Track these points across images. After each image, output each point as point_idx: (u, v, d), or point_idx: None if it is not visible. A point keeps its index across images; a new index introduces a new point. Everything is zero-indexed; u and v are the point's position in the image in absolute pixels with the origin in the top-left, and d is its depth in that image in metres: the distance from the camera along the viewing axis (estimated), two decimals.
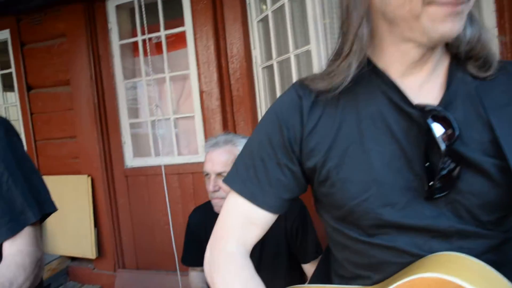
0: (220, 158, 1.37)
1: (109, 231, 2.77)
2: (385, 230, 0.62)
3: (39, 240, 0.93)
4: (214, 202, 1.40)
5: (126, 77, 2.71)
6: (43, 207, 0.93)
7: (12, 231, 0.86)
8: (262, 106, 2.36)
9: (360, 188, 0.62)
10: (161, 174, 2.58)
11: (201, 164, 2.49)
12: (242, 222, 0.71)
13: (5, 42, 3.04)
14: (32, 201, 0.90)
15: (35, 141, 3.00)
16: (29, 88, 2.99)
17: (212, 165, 1.38)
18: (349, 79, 0.62)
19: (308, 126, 0.66)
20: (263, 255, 1.46)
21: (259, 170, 0.69)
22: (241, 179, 0.71)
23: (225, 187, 1.35)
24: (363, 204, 0.62)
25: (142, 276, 2.73)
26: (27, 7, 2.70)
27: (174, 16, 2.57)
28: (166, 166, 2.57)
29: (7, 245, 0.86)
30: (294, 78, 2.01)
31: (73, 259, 2.96)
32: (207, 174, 1.42)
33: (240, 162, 0.73)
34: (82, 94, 2.72)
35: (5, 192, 0.87)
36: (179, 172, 2.56)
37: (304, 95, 0.67)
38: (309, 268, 1.49)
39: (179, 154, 2.64)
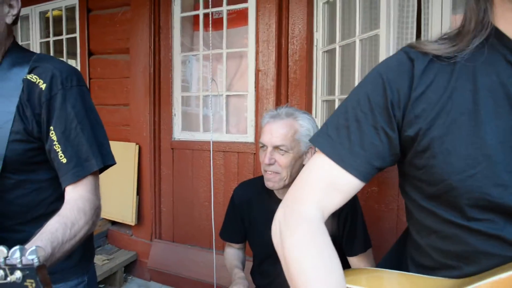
0: (280, 131, 1.30)
1: (150, 200, 2.82)
2: (490, 215, 0.55)
3: (98, 189, 0.95)
4: (267, 177, 1.34)
5: (183, 50, 2.72)
6: (105, 158, 0.95)
7: (77, 176, 0.88)
8: (318, 91, 2.28)
9: (466, 162, 0.55)
10: (208, 150, 2.59)
11: (248, 144, 2.47)
12: (324, 186, 0.65)
13: (73, 8, 3.15)
14: (96, 150, 0.92)
15: None
16: (90, 54, 3.09)
17: (271, 137, 1.31)
18: (473, 45, 0.57)
19: (417, 91, 0.60)
20: None
21: (352, 132, 0.63)
22: (330, 139, 0.66)
23: (281, 161, 1.30)
24: (468, 180, 0.54)
25: (176, 248, 2.75)
26: None
27: None
28: (213, 143, 2.56)
29: (70, 189, 0.89)
30: (357, 65, 1.91)
31: (113, 223, 3.05)
32: (263, 146, 1.36)
33: (331, 122, 0.68)
34: (139, 63, 2.77)
35: (73, 138, 0.90)
36: (225, 150, 2.54)
37: (417, 58, 0.61)
38: (355, 262, 1.40)
39: (227, 132, 2.62)
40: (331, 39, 2.21)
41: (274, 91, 2.29)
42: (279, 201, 1.46)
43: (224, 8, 2.50)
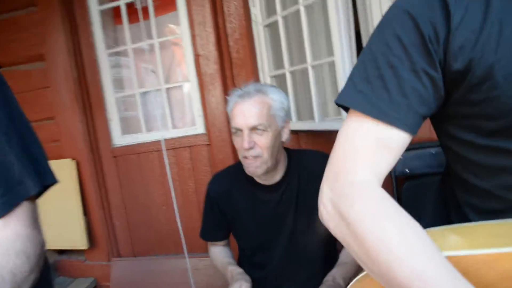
0: (254, 110, 1.17)
1: (100, 218, 2.53)
2: None
3: (38, 219, 0.70)
4: (248, 163, 1.21)
5: (108, 47, 2.45)
6: (44, 177, 0.71)
7: (9, 205, 0.63)
8: (265, 69, 2.19)
9: None
10: (155, 151, 2.40)
11: (199, 136, 2.31)
12: (371, 147, 0.55)
13: None
14: (31, 168, 0.68)
15: None
16: None
17: (245, 118, 1.17)
18: None
19: (455, 19, 0.51)
20: (297, 221, 1.31)
21: (388, 80, 0.54)
22: (364, 95, 0.56)
23: (261, 142, 1.18)
24: None
25: (140, 263, 2.51)
26: None
27: None
28: (159, 142, 2.35)
29: (0, 226, 0.63)
30: (306, 34, 1.83)
31: (61, 252, 2.71)
32: (236, 131, 1.22)
33: (359, 76, 0.58)
34: (59, 69, 2.45)
35: None
36: (175, 147, 2.35)
37: None
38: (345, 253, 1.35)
39: (174, 127, 2.43)
40: (271, 11, 2.11)
41: (219, 75, 2.15)
42: (263, 187, 1.33)
43: None
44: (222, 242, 1.47)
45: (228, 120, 2.16)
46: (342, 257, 1.29)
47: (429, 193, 0.76)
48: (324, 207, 0.59)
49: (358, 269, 1.25)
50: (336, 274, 1.18)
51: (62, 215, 2.51)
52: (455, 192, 0.69)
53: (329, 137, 2.02)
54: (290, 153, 1.35)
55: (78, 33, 2.46)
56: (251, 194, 1.34)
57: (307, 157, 1.35)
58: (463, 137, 0.59)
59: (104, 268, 2.57)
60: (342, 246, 1.42)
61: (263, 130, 1.18)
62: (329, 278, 1.17)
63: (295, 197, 1.30)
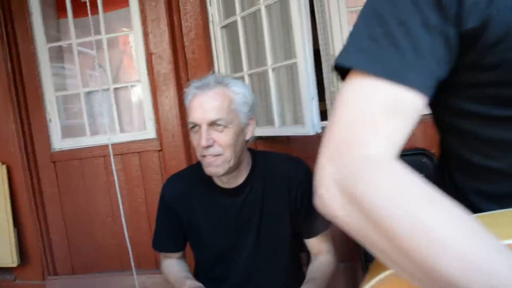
0: (213, 102, 1.05)
1: (33, 230, 2.26)
2: None
3: None
4: (208, 162, 1.08)
5: (50, 40, 2.23)
6: None
7: None
8: (222, 70, 2.08)
9: None
10: (100, 156, 2.20)
11: (149, 141, 2.14)
12: (384, 114, 0.44)
13: None
14: None
15: None
16: None
17: (203, 112, 1.04)
18: None
19: None
20: (261, 228, 1.20)
21: (399, 37, 0.45)
22: (370, 53, 0.46)
23: (221, 139, 1.06)
24: None
25: (80, 282, 2.28)
26: None
27: None
28: (106, 147, 2.16)
29: None
30: (266, 33, 1.76)
31: None
32: (194, 126, 1.09)
33: (361, 35, 0.48)
34: None
35: None
36: (123, 152, 2.17)
37: None
38: (314, 244, 1.25)
39: (122, 131, 2.24)
40: (229, 12, 2.02)
41: (173, 75, 2.01)
42: (224, 191, 1.19)
43: None
44: (177, 254, 1.31)
45: (182, 124, 2.02)
46: (310, 273, 1.20)
47: None
48: (327, 190, 0.45)
49: (328, 285, 1.18)
50: None
51: None
52: (458, 181, 0.62)
53: (288, 143, 1.95)
54: (254, 154, 1.24)
55: (13, 23, 2.21)
56: (210, 198, 1.21)
57: (273, 159, 1.24)
58: (474, 110, 0.51)
59: None
60: (306, 261, 1.34)
61: (224, 126, 1.06)
62: None
63: (260, 201, 1.18)
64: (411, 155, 1.87)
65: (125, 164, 2.18)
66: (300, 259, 1.38)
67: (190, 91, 1.11)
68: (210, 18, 2.07)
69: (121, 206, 2.11)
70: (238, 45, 1.98)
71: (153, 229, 2.12)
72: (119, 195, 2.09)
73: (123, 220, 2.10)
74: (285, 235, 1.23)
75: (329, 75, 2.20)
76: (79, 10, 2.28)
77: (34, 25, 2.20)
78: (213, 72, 1.17)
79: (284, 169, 1.20)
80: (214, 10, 2.06)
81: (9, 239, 2.21)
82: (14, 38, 2.21)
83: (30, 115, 2.26)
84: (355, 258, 1.87)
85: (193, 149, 2.03)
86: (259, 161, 1.22)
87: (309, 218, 1.22)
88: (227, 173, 1.10)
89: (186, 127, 2.05)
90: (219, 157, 1.06)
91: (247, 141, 1.17)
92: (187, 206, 1.23)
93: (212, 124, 1.05)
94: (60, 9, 2.38)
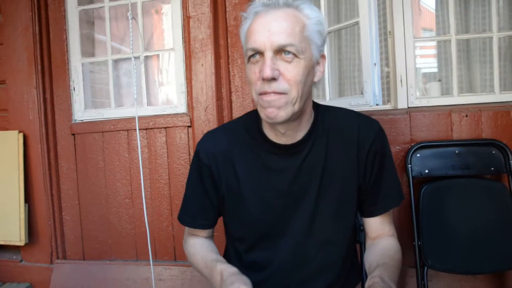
0: (283, 24, 0.81)
1: (45, 208, 2.08)
2: None
3: None
4: (268, 100, 0.82)
5: (80, 2, 2.09)
6: None
7: None
8: None
9: None
10: (123, 131, 2.01)
11: (178, 116, 1.94)
12: None
13: None
14: None
15: None
16: None
17: (270, 35, 0.80)
18: None
19: None
20: (320, 199, 0.95)
21: None
22: None
23: (290, 72, 0.81)
24: None
25: (90, 268, 2.06)
26: None
27: None
28: (130, 120, 1.98)
29: None
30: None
31: None
32: (254, 54, 0.84)
33: None
34: (18, 21, 2.06)
35: None
36: (148, 127, 1.97)
37: None
38: (375, 225, 1.00)
39: (149, 104, 2.06)
40: None
41: (212, 40, 1.81)
42: (276, 147, 0.90)
43: None
44: (206, 232, 1.07)
45: (218, 96, 1.81)
46: (374, 259, 0.93)
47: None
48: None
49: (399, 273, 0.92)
50: (383, 275, 0.82)
51: None
52: None
53: None
54: (317, 105, 1.00)
55: None
56: (260, 158, 0.96)
57: (340, 114, 1.00)
58: None
59: (44, 272, 2.10)
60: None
61: (294, 56, 0.81)
62: (375, 280, 0.80)
63: (322, 164, 0.94)
64: (478, 145, 1.61)
65: (150, 140, 1.98)
66: (355, 247, 1.13)
67: (251, 11, 0.88)
68: None
69: (142, 187, 1.90)
70: None
71: (174, 215, 1.93)
72: (141, 174, 1.89)
73: (144, 202, 1.89)
74: (349, 212, 0.98)
75: (381, 52, 1.97)
76: None
77: None
78: None
79: (353, 126, 0.95)
80: None
81: (19, 215, 2.03)
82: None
83: (54, 81, 2.12)
84: (408, 261, 1.59)
85: None
86: (323, 115, 0.98)
87: (376, 189, 0.97)
88: (289, 120, 0.86)
89: (221, 100, 1.85)
90: (283, 96, 0.81)
91: (314, 83, 0.93)
92: (227, 166, 0.98)
93: (280, 51, 0.81)
94: None
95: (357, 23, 1.42)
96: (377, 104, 1.39)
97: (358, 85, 1.49)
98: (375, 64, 1.38)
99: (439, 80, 2.02)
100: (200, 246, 1.06)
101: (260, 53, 0.82)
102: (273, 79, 0.81)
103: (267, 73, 0.79)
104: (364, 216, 1.02)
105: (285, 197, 0.96)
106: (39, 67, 2.06)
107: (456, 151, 1.63)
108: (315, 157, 0.95)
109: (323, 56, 0.92)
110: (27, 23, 2.04)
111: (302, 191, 0.95)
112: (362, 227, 1.08)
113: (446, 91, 1.95)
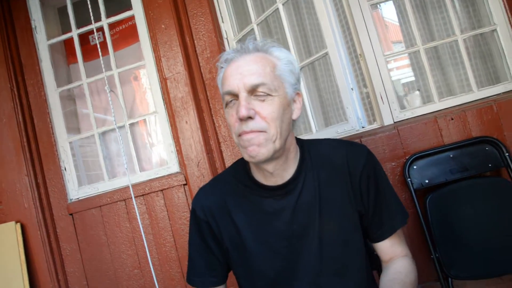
0: (253, 66, 0.87)
1: None
2: None
3: None
4: (247, 138, 0.86)
5: (60, 84, 2.17)
6: None
7: None
8: None
9: None
10: (120, 201, 2.03)
11: (173, 176, 1.97)
12: None
13: None
14: None
15: None
16: None
17: (242, 77, 0.86)
18: None
19: None
20: (324, 235, 0.96)
21: None
22: None
23: (265, 110, 0.86)
24: None
25: None
26: None
27: (118, 9, 2.16)
28: (126, 189, 2.00)
29: None
30: (288, 32, 1.64)
31: None
32: (230, 100, 0.90)
33: None
34: (1, 113, 2.12)
35: None
36: (144, 193, 1.99)
37: None
38: (386, 248, 1.01)
39: (142, 169, 2.09)
40: (243, 24, 1.94)
41: (191, 97, 1.88)
42: (268, 190, 0.94)
43: (104, 22, 2.08)
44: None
45: (207, 150, 1.86)
46: (385, 285, 0.93)
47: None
48: None
49: None
50: None
51: None
52: None
53: None
54: (301, 142, 1.03)
55: (23, 72, 2.18)
56: (253, 203, 0.98)
57: (326, 146, 1.03)
58: None
59: None
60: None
61: (267, 95, 0.86)
62: None
63: (317, 200, 0.96)
64: (471, 145, 1.64)
65: (148, 206, 2.00)
66: (372, 274, 1.12)
67: (223, 58, 0.94)
68: (224, 34, 1.99)
69: (148, 255, 1.90)
70: None
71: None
72: (145, 242, 1.89)
73: (153, 271, 1.88)
74: (356, 241, 0.98)
75: (357, 75, 2.05)
76: (88, 54, 2.27)
77: (44, 71, 2.17)
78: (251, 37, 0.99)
79: (341, 155, 0.98)
80: (228, 26, 1.99)
81: None
82: (25, 88, 2.17)
83: (44, 165, 2.15)
84: (431, 276, 1.57)
85: None
86: (308, 149, 1.01)
87: (378, 213, 0.99)
88: (273, 158, 0.89)
89: (211, 152, 1.89)
90: (261, 134, 0.86)
91: (293, 122, 0.97)
92: (224, 218, 1.00)
93: (253, 91, 0.86)
94: (69, 55, 2.38)
95: (326, 53, 1.50)
96: (362, 127, 1.44)
97: (342, 110, 1.54)
98: (352, 89, 1.44)
99: (418, 90, 2.09)
100: None
101: (235, 95, 0.88)
102: (250, 118, 0.86)
103: (243, 112, 0.84)
104: (373, 242, 1.03)
105: (288, 239, 0.96)
106: (28, 154, 2.10)
107: (451, 155, 1.66)
108: (309, 193, 0.97)
109: (298, 94, 0.97)
110: (10, 113, 2.11)
111: (303, 229, 0.96)
112: (375, 252, 1.09)
113: (427, 99, 2.01)
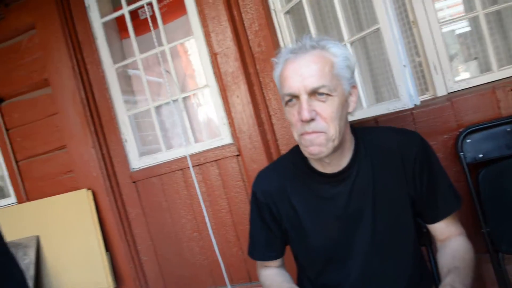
0: (313, 67, 0.92)
1: (124, 253, 2.33)
2: None
3: None
4: (309, 139, 0.94)
5: (115, 61, 2.31)
6: None
7: None
8: None
9: None
10: (178, 170, 2.19)
11: (226, 147, 2.10)
12: None
13: None
14: None
15: (16, 162, 2.56)
16: (0, 100, 2.57)
17: (302, 80, 0.91)
18: None
19: None
20: (377, 218, 1.05)
21: None
22: None
23: (325, 111, 0.92)
24: None
25: None
26: None
27: None
28: (182, 159, 2.16)
29: None
30: (338, 9, 1.63)
31: None
32: (290, 99, 0.97)
33: None
34: (66, 91, 2.32)
35: None
36: (200, 163, 2.14)
37: None
38: (441, 228, 1.08)
39: (197, 140, 2.23)
40: None
41: (242, 71, 1.95)
42: (326, 178, 1.03)
43: None
44: (276, 262, 1.21)
45: (258, 123, 1.94)
46: (446, 263, 1.01)
47: None
48: None
49: (473, 273, 0.99)
50: (454, 282, 0.91)
51: (82, 252, 2.33)
52: None
53: (377, 124, 1.77)
54: (355, 130, 1.10)
55: (81, 51, 2.33)
56: (311, 189, 1.08)
57: (379, 134, 1.10)
58: None
59: None
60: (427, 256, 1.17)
61: (327, 95, 0.92)
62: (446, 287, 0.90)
63: (371, 185, 1.04)
64: (494, 127, 1.60)
65: (204, 175, 2.16)
66: (421, 251, 1.21)
67: (281, 57, 1.00)
68: (272, 5, 1.99)
69: (207, 219, 2.09)
70: (304, 29, 1.88)
71: (241, 240, 2.09)
72: (204, 208, 2.08)
73: (211, 233, 2.07)
74: (407, 223, 1.06)
75: (410, 45, 2.00)
76: (139, 28, 2.35)
77: (100, 48, 2.30)
78: (307, 34, 1.04)
79: (394, 143, 1.04)
80: None
81: (103, 263, 2.29)
82: (85, 65, 2.33)
83: (107, 137, 2.35)
84: (481, 248, 1.62)
85: (274, 149, 1.94)
86: (362, 137, 1.08)
87: (432, 197, 1.05)
88: (331, 153, 0.97)
89: (262, 125, 1.98)
90: (322, 135, 0.93)
91: (349, 113, 1.03)
92: (284, 200, 1.11)
93: (313, 93, 0.92)
94: (121, 30, 2.48)
95: (378, 29, 1.49)
96: (415, 104, 1.45)
97: (393, 85, 1.55)
98: (404, 65, 1.44)
99: (475, 58, 2.01)
100: (274, 277, 1.19)
101: (295, 96, 0.95)
102: (311, 119, 0.92)
103: (305, 115, 0.91)
104: (427, 223, 1.10)
105: (343, 221, 1.06)
106: (92, 128, 2.30)
107: (508, 129, 1.63)
108: (363, 179, 1.05)
109: (354, 87, 1.02)
110: (74, 90, 2.29)
111: (358, 212, 1.05)
112: (425, 229, 1.16)
113: (485, 68, 1.94)
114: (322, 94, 0.92)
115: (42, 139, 2.49)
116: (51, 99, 2.40)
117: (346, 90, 0.98)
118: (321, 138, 0.94)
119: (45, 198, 2.44)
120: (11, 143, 2.56)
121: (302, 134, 0.96)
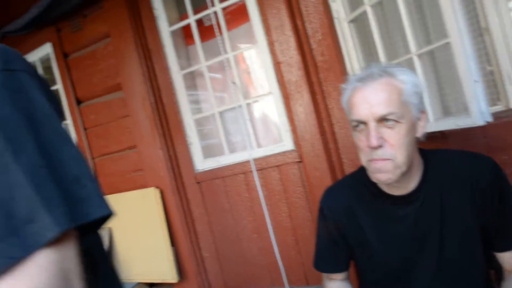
0: (381, 95, 0.95)
1: (187, 249, 2.49)
2: None
3: (74, 275, 0.42)
4: (376, 167, 0.98)
5: (182, 67, 2.45)
6: (81, 207, 0.44)
7: (9, 259, 0.38)
8: (356, 69, 1.99)
9: None
10: (240, 174, 2.29)
11: (288, 153, 2.16)
12: None
13: (47, 58, 2.91)
14: (55, 196, 0.42)
15: (92, 159, 2.81)
16: (79, 102, 2.83)
17: (370, 107, 0.95)
18: None
19: None
20: (444, 241, 1.07)
21: None
22: None
23: (393, 138, 0.96)
24: None
25: None
26: (65, 9, 2.52)
27: None
28: (245, 163, 2.26)
29: None
30: (405, 16, 1.62)
31: (150, 286, 2.71)
32: (357, 125, 1.01)
33: None
34: (136, 95, 2.50)
35: None
36: (261, 167, 2.23)
37: None
38: (509, 259, 1.07)
39: (259, 146, 2.32)
40: (354, 4, 1.93)
41: (305, 81, 2.00)
42: (394, 200, 1.07)
43: (218, 7, 2.24)
44: (341, 275, 1.27)
45: (321, 132, 1.99)
46: None
47: None
48: None
49: None
50: None
51: (150, 246, 2.52)
52: None
53: (443, 138, 1.75)
54: (425, 153, 1.11)
55: (151, 58, 2.50)
56: (378, 209, 1.12)
57: (449, 157, 1.10)
58: None
59: None
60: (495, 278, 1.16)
61: (395, 122, 0.95)
62: None
63: (439, 209, 1.05)
64: None
65: (265, 179, 2.25)
66: (490, 277, 1.20)
67: (350, 84, 1.05)
68: (335, 14, 2.01)
69: (268, 222, 2.18)
70: (368, 39, 1.88)
71: (300, 243, 2.16)
72: (265, 211, 2.17)
73: (272, 235, 2.17)
74: (475, 249, 1.07)
75: (481, 53, 1.93)
76: (203, 34, 2.47)
77: (168, 55, 2.45)
78: (375, 62, 1.08)
79: (465, 168, 1.05)
80: (339, 6, 1.99)
81: (168, 257, 2.47)
82: (154, 71, 2.49)
83: (173, 140, 2.51)
84: None
85: (336, 158, 1.98)
86: (432, 160, 1.09)
87: (503, 227, 1.05)
88: (400, 178, 1.01)
89: (325, 134, 2.02)
90: (389, 162, 0.97)
91: (417, 139, 1.05)
92: (351, 219, 1.16)
93: (381, 120, 0.96)
94: (187, 37, 2.62)
95: (448, 43, 1.47)
96: (486, 121, 1.42)
97: (462, 99, 1.52)
98: (476, 81, 1.41)
99: None
100: None
101: (364, 123, 0.99)
102: (379, 146, 0.96)
103: (373, 143, 0.95)
104: (496, 252, 1.10)
105: (409, 243, 1.09)
106: (160, 130, 2.47)
107: None
108: (431, 203, 1.06)
109: (423, 112, 1.04)
110: (144, 95, 2.47)
111: (425, 235, 1.08)
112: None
113: None
114: (390, 120, 0.95)
115: (114, 139, 2.71)
116: (123, 102, 2.60)
117: (414, 116, 1.00)
118: (388, 166, 0.97)
119: (117, 194, 2.67)
120: (88, 142, 2.81)
121: (370, 161, 1.00)
